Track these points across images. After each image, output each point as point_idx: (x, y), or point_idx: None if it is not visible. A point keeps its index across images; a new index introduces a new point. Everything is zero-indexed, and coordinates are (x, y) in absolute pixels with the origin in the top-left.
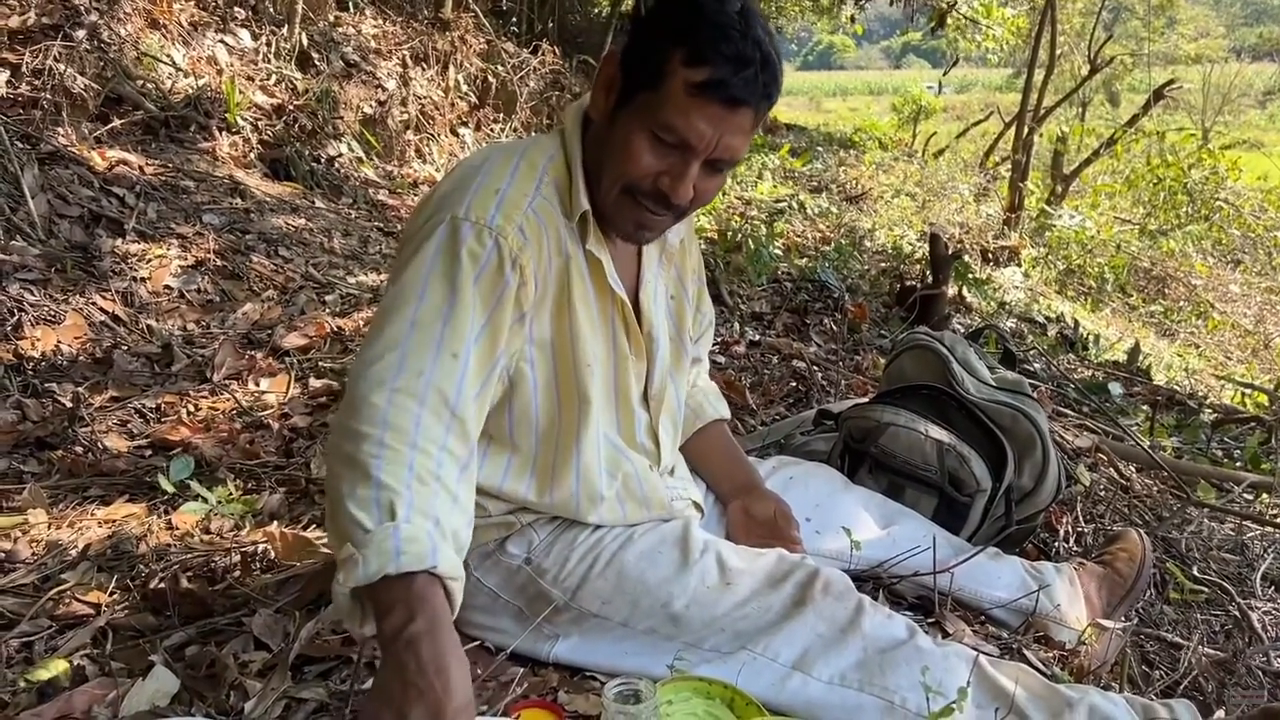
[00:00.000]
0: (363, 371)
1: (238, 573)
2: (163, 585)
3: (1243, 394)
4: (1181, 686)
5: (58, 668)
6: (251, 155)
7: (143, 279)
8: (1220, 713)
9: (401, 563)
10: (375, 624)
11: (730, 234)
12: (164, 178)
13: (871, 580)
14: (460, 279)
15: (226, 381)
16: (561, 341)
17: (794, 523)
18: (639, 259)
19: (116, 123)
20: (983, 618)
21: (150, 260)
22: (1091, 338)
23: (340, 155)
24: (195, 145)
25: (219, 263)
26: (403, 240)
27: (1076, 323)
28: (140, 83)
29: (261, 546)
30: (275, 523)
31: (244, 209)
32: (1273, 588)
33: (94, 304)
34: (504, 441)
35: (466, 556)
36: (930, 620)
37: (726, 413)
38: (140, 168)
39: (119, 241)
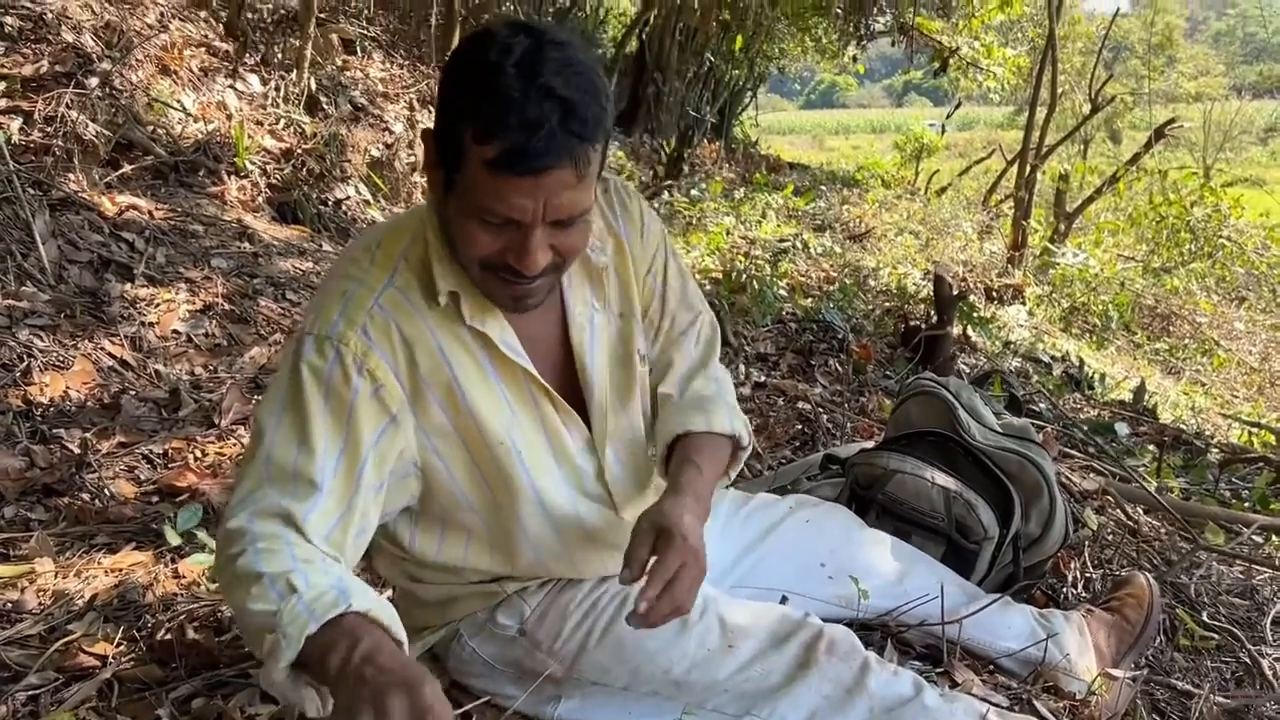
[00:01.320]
0: (229, 510)
1: None
2: (169, 636)
3: (1250, 433)
4: None
5: None
6: (260, 199)
7: (151, 323)
8: None
9: (318, 615)
10: (321, 675)
11: (735, 274)
12: (173, 222)
13: (880, 629)
14: (306, 401)
15: (234, 426)
16: (462, 424)
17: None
18: (560, 300)
19: (127, 168)
20: (991, 667)
21: (158, 305)
22: (1097, 376)
23: (348, 198)
24: (204, 189)
25: (227, 306)
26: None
27: (1081, 361)
28: (150, 128)
29: None
30: None
31: (252, 253)
32: None
33: (102, 349)
34: (454, 524)
35: (459, 626)
36: (939, 670)
37: (697, 423)
38: (150, 212)
39: (128, 286)
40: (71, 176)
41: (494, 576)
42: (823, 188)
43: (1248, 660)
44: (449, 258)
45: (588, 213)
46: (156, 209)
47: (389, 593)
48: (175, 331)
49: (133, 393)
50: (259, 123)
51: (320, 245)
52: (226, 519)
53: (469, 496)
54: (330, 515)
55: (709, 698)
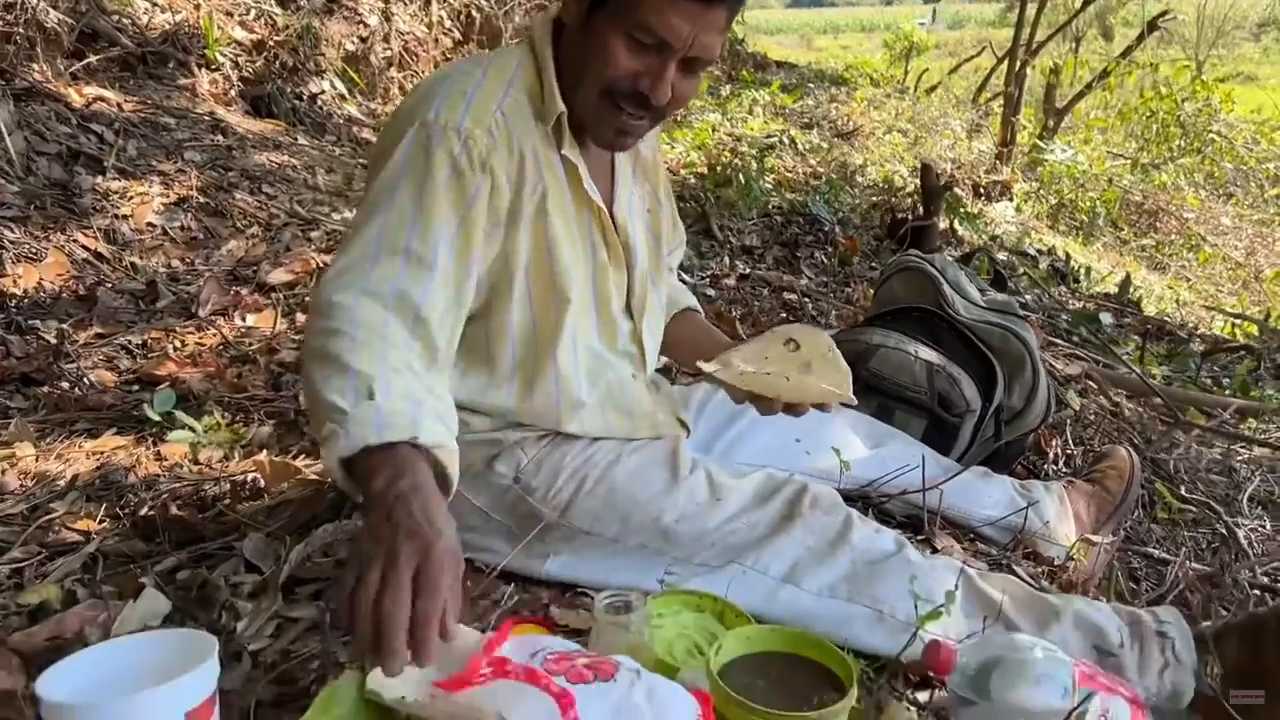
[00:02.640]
0: (332, 278)
1: (227, 500)
2: (152, 513)
3: (1233, 325)
4: (1168, 600)
5: (49, 592)
6: (232, 92)
7: (125, 216)
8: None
9: (383, 434)
10: (361, 487)
11: (721, 168)
12: (143, 114)
13: (861, 500)
14: (429, 184)
15: (212, 317)
16: (538, 248)
17: None
18: (612, 171)
19: (92, 59)
20: (972, 535)
21: (132, 197)
22: (1083, 270)
23: (323, 92)
24: (174, 82)
25: (202, 200)
26: (373, 158)
27: (1068, 256)
28: (115, 18)
29: (250, 475)
30: (264, 452)
31: (226, 146)
32: (1260, 508)
33: (75, 241)
34: (481, 355)
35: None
36: (920, 538)
37: (699, 307)
38: (118, 105)
39: (99, 179)
40: (35, 66)
41: (501, 424)
42: (810, 85)
43: (1224, 531)
44: (558, 84)
45: (711, 65)
46: (125, 101)
47: None
48: (150, 224)
49: (109, 285)
50: (228, 13)
51: (296, 139)
52: (330, 289)
53: (516, 322)
54: (442, 297)
55: (696, 550)
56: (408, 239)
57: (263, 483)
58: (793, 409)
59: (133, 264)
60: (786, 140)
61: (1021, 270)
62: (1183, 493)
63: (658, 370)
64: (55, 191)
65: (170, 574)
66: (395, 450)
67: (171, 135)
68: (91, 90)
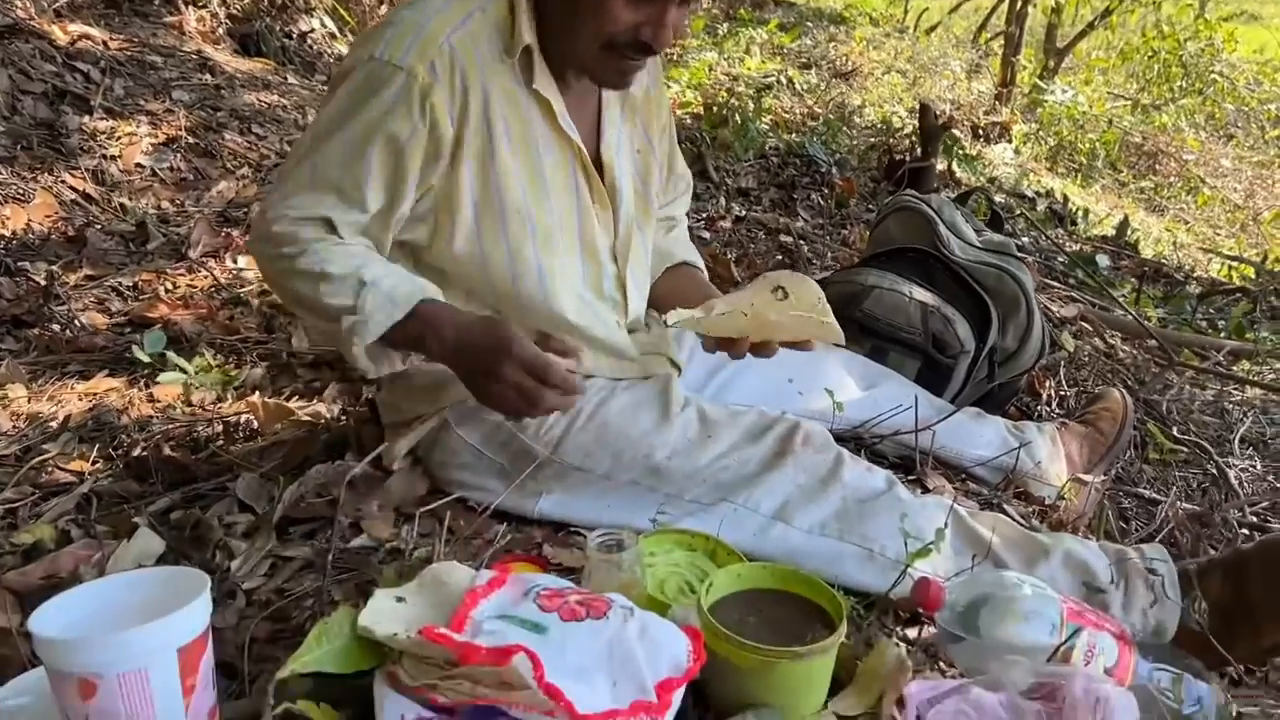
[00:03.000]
0: (270, 208)
1: (220, 441)
2: (145, 454)
3: (1229, 267)
4: (1157, 539)
5: (42, 532)
6: (220, 30)
7: (113, 157)
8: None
9: (400, 308)
10: (413, 356)
11: (717, 109)
12: (129, 53)
13: (853, 440)
14: (366, 120)
15: (204, 259)
16: (484, 184)
17: None
18: (598, 109)
19: None
20: (964, 476)
21: (119, 138)
22: (1080, 212)
23: (312, 30)
24: (160, 20)
25: (191, 140)
26: (330, 87)
27: (1066, 198)
28: None
29: (244, 417)
30: (257, 394)
31: (214, 85)
32: (1251, 449)
33: (63, 182)
34: (453, 284)
35: (448, 414)
36: (911, 478)
37: (699, 260)
38: (104, 43)
39: (86, 119)
40: (18, 3)
41: None
42: (809, 24)
43: (1214, 471)
44: (533, 18)
45: None
46: (111, 39)
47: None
48: (139, 165)
49: (98, 226)
50: None
51: (286, 79)
52: (268, 220)
53: (466, 262)
54: (370, 228)
55: (688, 487)
56: (339, 178)
57: (256, 424)
58: (761, 349)
59: (122, 205)
60: (784, 80)
61: (1019, 212)
62: (1174, 434)
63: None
64: (42, 131)
65: (164, 514)
66: (415, 314)
67: (159, 74)
68: (76, 28)
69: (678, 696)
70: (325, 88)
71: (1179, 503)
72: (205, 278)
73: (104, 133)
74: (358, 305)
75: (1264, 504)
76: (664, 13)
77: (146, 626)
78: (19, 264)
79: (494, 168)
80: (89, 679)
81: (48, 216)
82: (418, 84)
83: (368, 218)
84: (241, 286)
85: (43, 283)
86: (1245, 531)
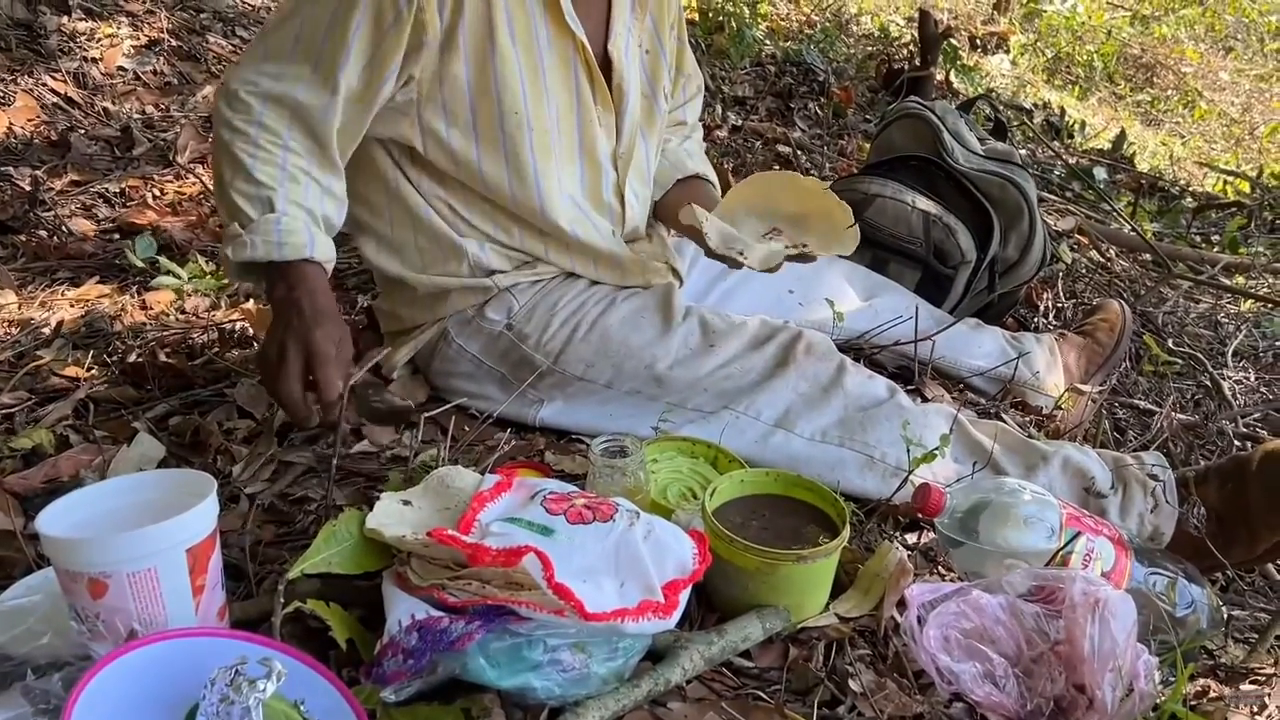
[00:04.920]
0: (243, 71)
1: (216, 349)
2: (141, 360)
3: (1225, 181)
4: (1153, 449)
5: (41, 436)
6: None
7: (94, 59)
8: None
9: (284, 253)
10: (265, 293)
11: (711, 14)
12: None
13: (853, 350)
14: (349, 3)
15: (191, 165)
16: (482, 76)
17: None
18: (608, 5)
19: None
20: (962, 385)
21: (100, 40)
22: (1077, 125)
23: None
24: None
25: (174, 43)
26: None
27: (1063, 110)
28: None
29: (239, 325)
30: (251, 301)
31: None
32: (1244, 361)
33: (44, 85)
34: (454, 183)
35: (447, 323)
36: (910, 388)
37: (712, 175)
38: None
39: (65, 19)
40: None
41: (489, 268)
42: None
43: (1209, 383)
44: None
45: None
46: None
47: (377, 298)
48: (121, 69)
49: (82, 131)
50: None
51: None
52: (239, 80)
53: (464, 156)
54: (342, 114)
55: (689, 396)
56: (318, 51)
57: (251, 331)
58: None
59: (105, 109)
60: None
61: (1017, 124)
62: (1170, 345)
63: (653, 216)
64: (20, 32)
65: (162, 420)
66: (291, 266)
67: None
68: None
69: (684, 597)
70: None
71: (1174, 413)
72: (193, 184)
73: (84, 34)
74: (251, 224)
75: (1256, 415)
76: None
77: (156, 526)
78: (2, 169)
79: (493, 61)
80: (99, 578)
81: (30, 120)
82: None
83: (339, 103)
84: None
85: (28, 188)
86: (1238, 442)
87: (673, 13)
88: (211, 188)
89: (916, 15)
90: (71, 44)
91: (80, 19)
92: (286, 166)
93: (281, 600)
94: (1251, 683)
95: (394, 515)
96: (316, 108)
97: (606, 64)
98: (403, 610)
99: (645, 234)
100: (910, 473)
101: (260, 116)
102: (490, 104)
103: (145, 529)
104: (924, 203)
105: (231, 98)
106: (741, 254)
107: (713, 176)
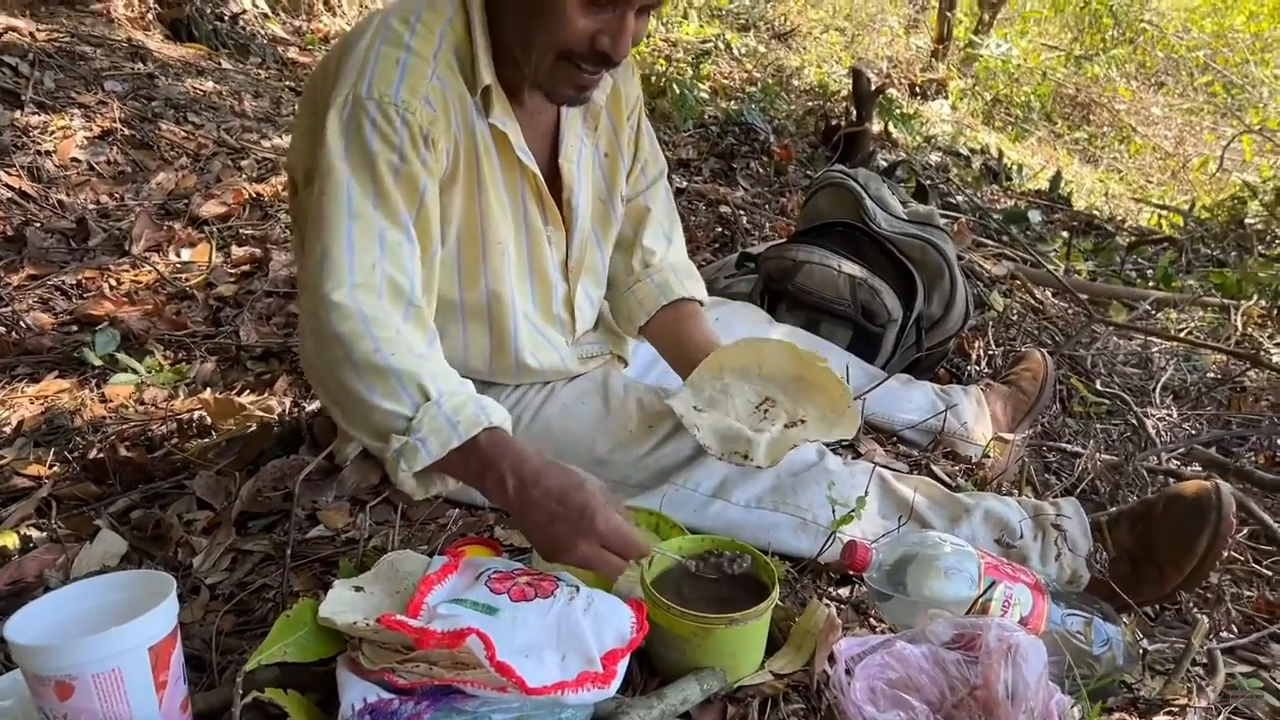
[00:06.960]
0: (317, 276)
1: (175, 440)
2: (101, 455)
3: (1159, 215)
4: (1078, 490)
5: (5, 538)
6: (149, 16)
7: (48, 152)
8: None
9: (461, 433)
10: (466, 485)
11: (655, 79)
12: (58, 44)
13: None
14: (379, 165)
15: (147, 254)
16: (470, 213)
17: None
18: (556, 120)
19: None
20: (895, 439)
21: (53, 132)
22: (1015, 168)
23: (244, 12)
24: (87, 7)
25: (126, 131)
26: (305, 107)
27: (1001, 153)
28: None
29: (196, 414)
30: (208, 390)
31: (147, 74)
32: (1171, 396)
33: None
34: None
35: None
36: (845, 442)
37: (701, 294)
38: (31, 34)
39: (17, 114)
40: None
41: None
42: None
43: (1134, 421)
44: (489, 49)
45: (661, 6)
46: (38, 30)
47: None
48: (75, 160)
49: (37, 224)
50: None
51: (220, 64)
52: (324, 287)
53: (445, 289)
54: (419, 271)
55: (630, 474)
56: (378, 221)
57: (209, 420)
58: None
59: (60, 201)
60: (722, 45)
61: (954, 171)
62: (1098, 386)
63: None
64: None
65: (124, 514)
66: (477, 442)
67: (90, 65)
68: (0, 20)
69: (622, 665)
70: (261, 70)
71: (1098, 454)
72: (149, 273)
73: (36, 127)
74: (415, 422)
75: (1180, 450)
76: (623, 20)
77: (119, 628)
78: None
79: (483, 203)
80: (65, 680)
81: None
82: (416, 120)
83: (413, 256)
84: (187, 280)
85: None
86: (1161, 478)
87: (630, 102)
88: (334, 415)
89: (852, 70)
90: (25, 138)
91: (33, 113)
92: (412, 348)
93: (240, 692)
94: (1166, 713)
95: (346, 602)
96: (399, 279)
97: (555, 176)
98: (355, 694)
99: (593, 325)
100: (832, 533)
101: (361, 309)
102: (475, 236)
103: (108, 632)
104: (849, 266)
105: (326, 306)
106: (747, 457)
107: (700, 292)
